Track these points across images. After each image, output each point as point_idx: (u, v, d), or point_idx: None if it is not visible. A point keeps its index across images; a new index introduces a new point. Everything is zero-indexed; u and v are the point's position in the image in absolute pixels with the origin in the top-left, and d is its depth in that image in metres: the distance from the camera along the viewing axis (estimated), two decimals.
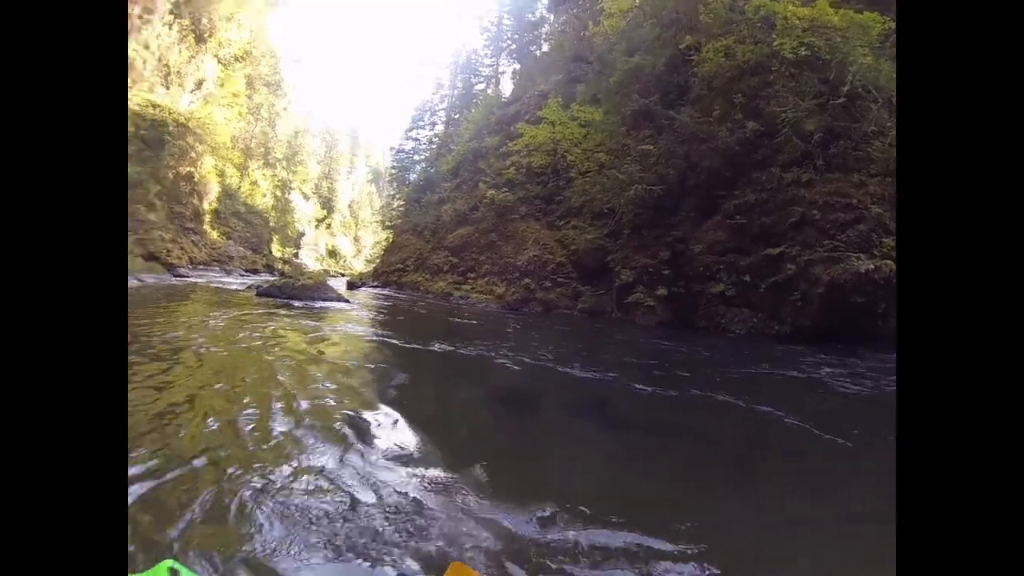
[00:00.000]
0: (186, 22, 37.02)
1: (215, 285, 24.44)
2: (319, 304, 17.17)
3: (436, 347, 10.55)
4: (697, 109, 17.76)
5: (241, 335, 9.71)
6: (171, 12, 35.48)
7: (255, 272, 38.04)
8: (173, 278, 27.15)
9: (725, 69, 16.64)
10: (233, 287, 23.72)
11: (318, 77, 76.77)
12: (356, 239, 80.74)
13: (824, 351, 11.30)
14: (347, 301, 18.86)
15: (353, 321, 13.98)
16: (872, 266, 12.43)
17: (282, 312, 14.06)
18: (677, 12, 18.90)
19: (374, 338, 11.44)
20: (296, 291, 18.12)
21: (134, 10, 31.89)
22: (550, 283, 22.59)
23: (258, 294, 18.82)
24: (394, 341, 10.86)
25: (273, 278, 25.13)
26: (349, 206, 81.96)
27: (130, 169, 30.77)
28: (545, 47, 40.92)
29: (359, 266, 64.80)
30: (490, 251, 27.29)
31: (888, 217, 12.94)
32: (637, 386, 7.57)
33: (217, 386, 5.96)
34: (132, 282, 20.99)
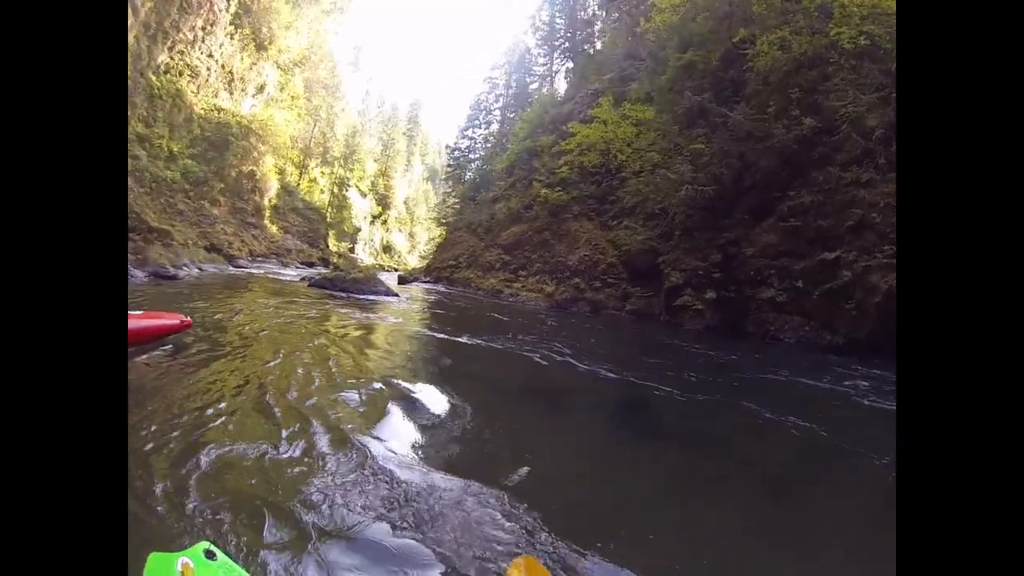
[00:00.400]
0: (247, 31, 38.37)
1: (271, 276, 25.46)
2: (368, 296, 17.64)
3: (468, 340, 10.89)
4: (752, 106, 16.93)
5: (291, 320, 10.63)
6: (232, 23, 36.77)
7: (311, 265, 39.27)
8: (232, 268, 28.44)
9: (781, 63, 15.85)
10: (287, 278, 24.67)
11: (376, 79, 78.09)
12: (411, 235, 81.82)
13: (879, 366, 10.58)
14: (395, 295, 19.21)
15: (397, 313, 14.44)
16: None
17: (330, 303, 14.66)
18: (731, 4, 18.12)
19: (413, 330, 12.08)
20: (347, 283, 18.65)
21: (197, 22, 33.16)
22: (600, 283, 22.25)
23: (310, 284, 19.48)
24: (432, 334, 11.56)
25: (326, 270, 25.97)
26: (405, 203, 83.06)
27: (196, 168, 32.88)
28: (599, 45, 40.43)
29: (413, 262, 65.51)
30: (542, 250, 27.22)
31: None
32: (674, 392, 7.42)
33: (269, 363, 6.70)
34: (193, 270, 22.38)
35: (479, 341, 10.90)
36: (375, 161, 72.93)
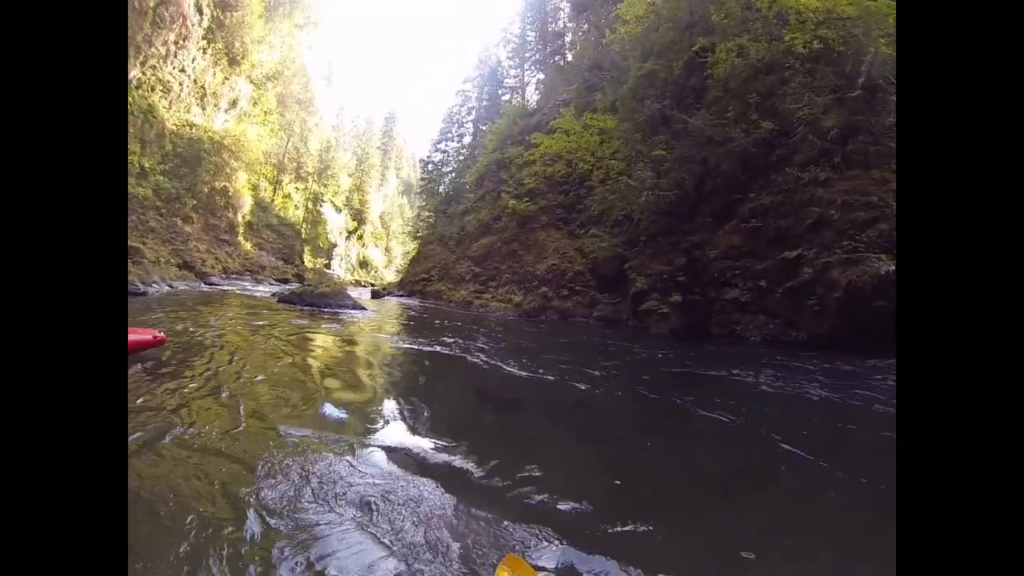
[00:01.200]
0: (220, 46, 38.15)
1: (242, 292, 25.19)
2: (334, 310, 17.64)
3: (421, 347, 11.14)
4: (712, 112, 17.04)
5: (251, 332, 10.96)
6: (205, 37, 36.51)
7: (285, 281, 38.70)
8: (204, 285, 27.95)
9: (739, 69, 15.99)
10: (259, 294, 24.48)
11: (349, 92, 77.69)
12: (387, 250, 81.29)
13: (841, 359, 10.54)
14: (363, 308, 19.17)
15: (357, 324, 14.50)
16: (893, 267, 11.45)
17: (294, 316, 14.73)
18: (692, 14, 18.28)
19: (370, 338, 12.32)
20: (314, 298, 18.66)
21: (170, 37, 32.78)
22: (567, 291, 22.17)
23: (279, 300, 19.44)
24: (395, 342, 11.81)
25: (296, 286, 25.78)
26: (380, 218, 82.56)
27: (168, 184, 32.68)
28: (569, 57, 40.67)
29: (390, 276, 65.05)
30: (511, 260, 27.22)
31: None
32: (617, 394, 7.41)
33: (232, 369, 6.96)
34: (163, 288, 22.36)
35: (434, 348, 11.05)
36: (350, 176, 72.40)
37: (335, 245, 62.69)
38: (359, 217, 73.52)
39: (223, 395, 5.56)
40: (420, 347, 11.24)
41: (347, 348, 10.72)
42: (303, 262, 49.63)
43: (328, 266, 58.01)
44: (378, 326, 15.20)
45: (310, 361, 8.49)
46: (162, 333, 7.37)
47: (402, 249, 71.49)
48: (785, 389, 7.91)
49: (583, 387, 7.66)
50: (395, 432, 4.92)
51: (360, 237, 74.37)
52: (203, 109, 38.52)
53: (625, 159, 20.25)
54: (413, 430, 5.04)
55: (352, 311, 18.16)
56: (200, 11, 35.26)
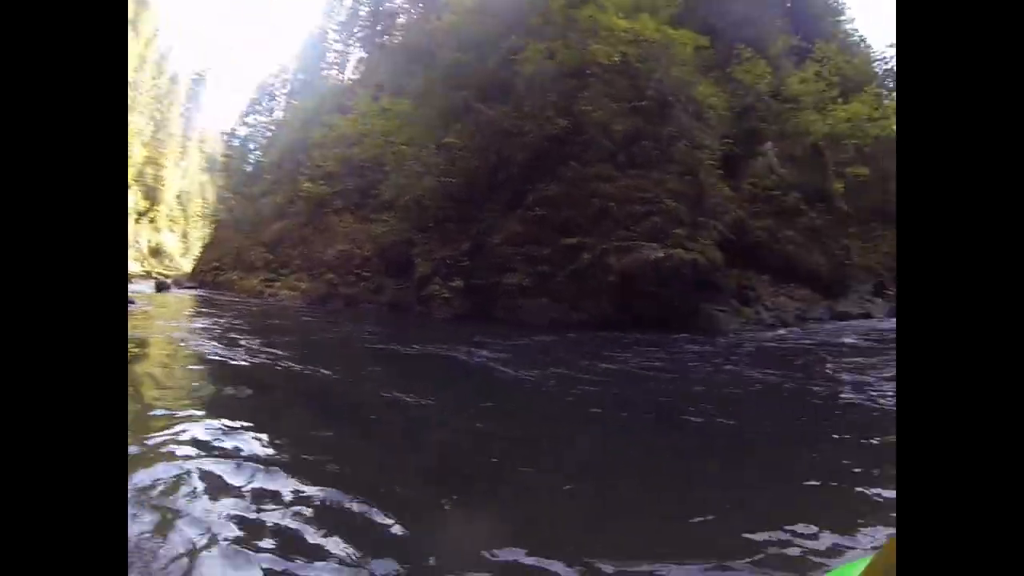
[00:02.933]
0: None
1: None
2: None
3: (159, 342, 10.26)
4: (514, 106, 17.11)
5: None
6: None
7: None
8: None
9: (546, 69, 16.37)
10: None
11: (151, 39, 65.10)
12: (185, 236, 71.59)
13: (620, 338, 10.87)
14: (131, 302, 16.53)
15: None
16: (662, 254, 12.54)
17: None
18: (514, 12, 18.75)
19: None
20: None
21: None
22: (354, 277, 20.75)
23: None
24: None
25: None
26: (178, 197, 72.48)
27: None
28: (399, 39, 38.92)
29: (188, 266, 56.91)
30: (303, 246, 25.52)
31: (681, 210, 13.27)
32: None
33: None
34: None
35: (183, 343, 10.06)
36: (143, 145, 62.68)
37: None
38: (152, 196, 64.22)
39: None
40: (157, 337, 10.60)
41: None
42: None
43: None
44: (132, 319, 12.93)
45: None
46: None
47: (201, 235, 63.50)
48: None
49: None
50: None
51: (152, 220, 65.19)
52: None
53: (418, 145, 19.66)
54: None
55: None
56: None
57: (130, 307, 15.87)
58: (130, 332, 11.24)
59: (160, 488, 3.12)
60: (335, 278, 21.23)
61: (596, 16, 15.72)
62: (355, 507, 2.98)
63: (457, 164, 17.58)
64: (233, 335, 11.08)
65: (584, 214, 13.94)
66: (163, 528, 2.67)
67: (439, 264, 16.60)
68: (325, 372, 7.20)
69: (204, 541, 2.57)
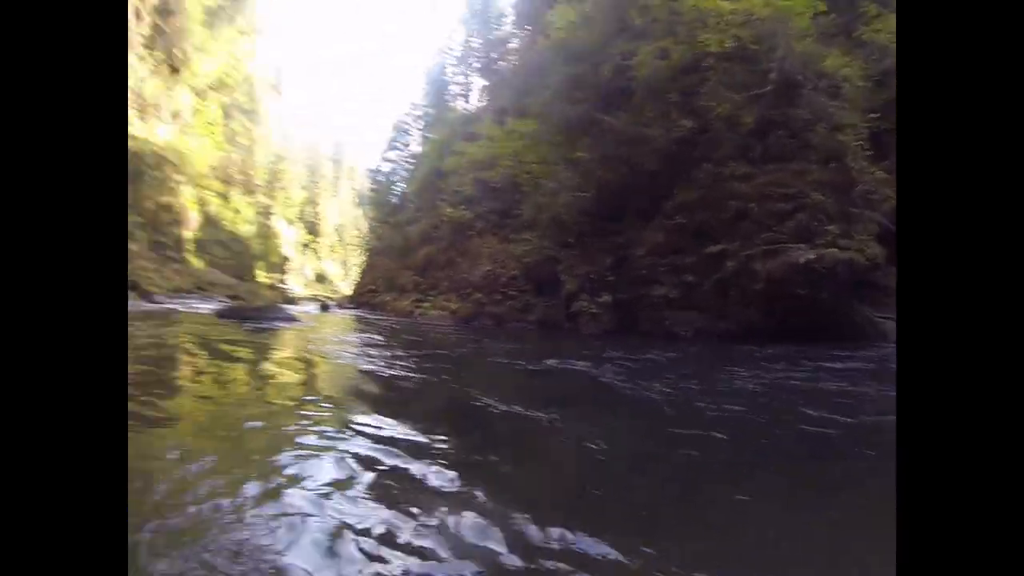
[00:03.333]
0: (159, 54, 36.42)
1: (186, 310, 23.89)
2: (267, 324, 17.23)
3: (315, 350, 10.76)
4: (635, 113, 16.63)
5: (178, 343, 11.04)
6: (144, 45, 34.89)
7: (235, 298, 37.09)
8: (146, 304, 26.35)
9: (661, 70, 15.65)
10: (203, 311, 23.26)
11: (298, 102, 75.10)
12: (344, 263, 78.85)
13: (772, 349, 10.06)
14: (296, 320, 18.64)
15: (280, 334, 14.25)
16: (812, 256, 11.25)
17: (227, 330, 14.22)
18: (619, 21, 17.95)
19: (278, 343, 12.28)
20: (249, 312, 18.73)
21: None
22: (500, 296, 21.36)
23: (217, 315, 19.19)
24: (296, 346, 11.62)
25: (235, 302, 25.80)
26: (336, 230, 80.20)
27: None
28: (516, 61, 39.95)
29: (347, 289, 62.91)
30: (449, 268, 26.39)
31: (829, 203, 12.00)
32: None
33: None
34: None
35: (324, 352, 10.63)
36: (303, 188, 70.18)
37: (288, 259, 60.68)
38: (314, 230, 71.43)
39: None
40: (315, 350, 10.90)
41: (254, 351, 10.63)
42: (255, 278, 47.63)
43: (283, 281, 55.89)
44: (298, 335, 14.42)
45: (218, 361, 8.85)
46: None
47: (358, 262, 69.54)
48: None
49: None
50: None
51: (316, 251, 72.29)
52: (143, 120, 36.64)
53: (547, 162, 19.74)
54: None
55: (283, 323, 17.69)
56: (139, 17, 33.77)
57: (296, 324, 17.64)
58: (299, 343, 12.58)
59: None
60: (482, 297, 21.91)
61: (699, 4, 14.68)
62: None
63: (589, 178, 17.37)
64: (380, 347, 11.92)
65: (722, 218, 13.22)
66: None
67: (584, 280, 16.59)
68: (468, 384, 7.06)
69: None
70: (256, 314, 18.26)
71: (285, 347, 11.84)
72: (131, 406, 4.65)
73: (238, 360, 9.38)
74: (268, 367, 8.77)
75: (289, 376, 7.76)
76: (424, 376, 7.71)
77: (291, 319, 18.59)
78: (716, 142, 14.08)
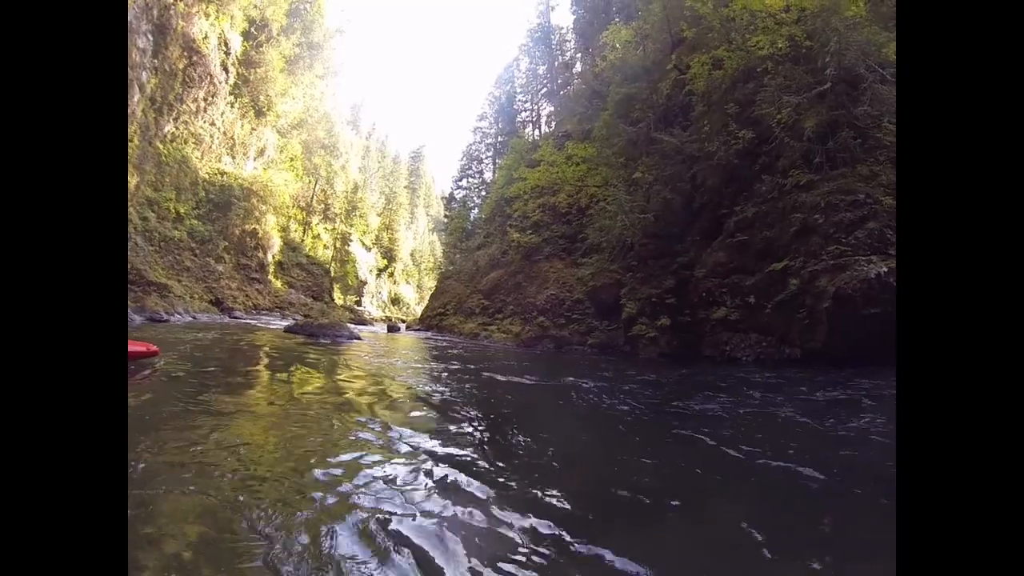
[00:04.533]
0: (246, 100, 39.22)
1: (261, 325, 25.58)
2: (330, 340, 18.34)
3: (371, 366, 11.20)
4: (694, 128, 16.05)
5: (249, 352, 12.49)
6: (232, 93, 37.64)
7: (306, 317, 39.00)
8: (227, 318, 28.55)
9: (718, 81, 15.00)
10: (275, 326, 24.77)
11: (375, 132, 78.47)
12: (419, 287, 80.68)
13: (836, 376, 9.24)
14: (358, 338, 19.58)
15: (340, 352, 14.58)
16: (884, 269, 9.98)
17: (292, 344, 15.37)
18: (671, 33, 17.39)
19: (338, 359, 12.45)
20: (315, 329, 19.74)
21: (199, 94, 34.03)
22: (564, 320, 21.20)
23: (286, 331, 20.41)
24: (354, 363, 11.89)
25: (302, 319, 26.83)
26: (412, 255, 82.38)
27: (201, 227, 34.14)
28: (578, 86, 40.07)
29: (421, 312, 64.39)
30: (516, 292, 26.57)
31: None
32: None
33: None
34: (186, 318, 24.20)
35: (381, 367, 11.00)
36: (379, 215, 72.56)
37: (365, 283, 62.53)
38: (389, 255, 73.43)
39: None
40: (371, 366, 11.37)
41: (305, 359, 11.47)
42: (332, 299, 49.28)
43: (359, 303, 57.52)
44: (353, 351, 14.82)
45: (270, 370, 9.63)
46: (155, 347, 8.27)
47: (431, 286, 71.06)
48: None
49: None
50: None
51: (391, 275, 74.23)
52: (233, 158, 39.31)
53: (608, 185, 19.42)
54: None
55: (347, 340, 18.51)
56: (226, 69, 36.41)
57: (355, 341, 18.30)
58: (348, 357, 12.90)
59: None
60: (545, 321, 21.77)
61: (748, 4, 13.94)
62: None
63: (651, 199, 16.89)
64: (417, 362, 12.44)
65: (786, 232, 12.23)
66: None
67: (644, 303, 16.04)
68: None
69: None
70: (319, 331, 19.22)
71: (335, 359, 12.33)
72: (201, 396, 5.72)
73: (285, 365, 10.33)
74: (308, 373, 9.49)
75: (318, 380, 8.56)
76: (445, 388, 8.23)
77: (352, 337, 19.48)
78: (777, 151, 13.17)
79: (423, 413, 6.50)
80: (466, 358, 14.48)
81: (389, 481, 3.66)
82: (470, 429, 5.63)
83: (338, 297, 52.52)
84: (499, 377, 10.38)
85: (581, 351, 18.48)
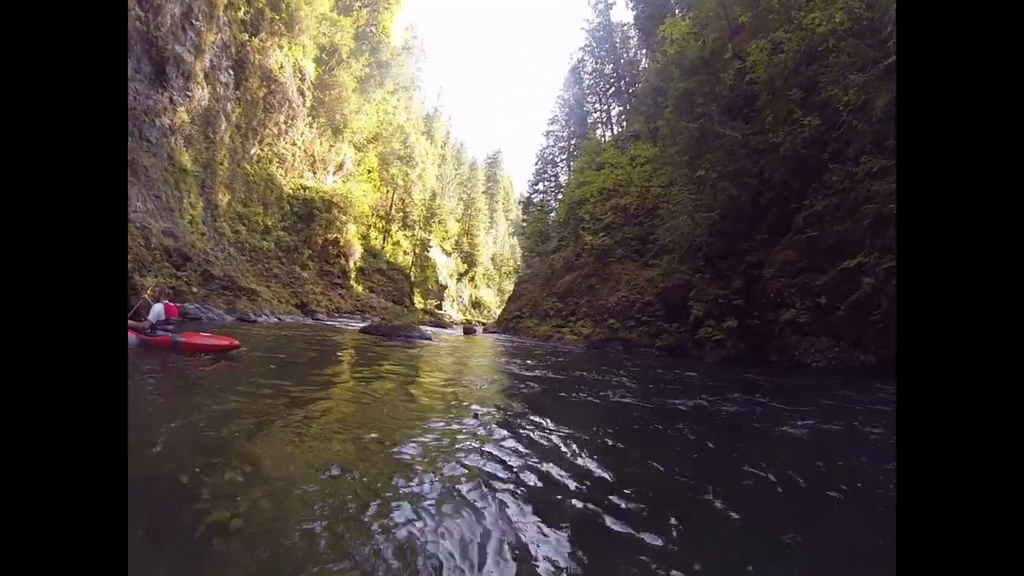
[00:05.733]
0: (323, 120, 41.64)
1: (341, 326, 26.48)
2: (402, 340, 18.89)
3: (416, 364, 11.38)
4: (758, 119, 15.09)
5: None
6: (310, 115, 40.02)
7: (383, 319, 40.45)
8: (309, 319, 30.01)
9: (779, 66, 13.99)
10: (352, 327, 25.65)
11: (449, 141, 79.88)
12: (500, 291, 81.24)
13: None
14: (428, 339, 20.02)
15: (408, 350, 14.90)
16: None
17: (365, 342, 15.95)
18: (727, 20, 16.40)
19: (406, 356, 12.80)
20: (388, 330, 20.59)
21: (280, 118, 36.27)
22: (633, 322, 20.70)
23: (361, 331, 21.23)
24: (418, 360, 12.17)
25: (378, 320, 27.95)
26: (492, 259, 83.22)
27: (287, 238, 36.53)
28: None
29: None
30: (589, 294, 26.39)
31: None
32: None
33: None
34: (272, 319, 25.47)
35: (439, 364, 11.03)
36: (457, 221, 73.77)
37: (445, 287, 63.65)
38: (469, 260, 74.51)
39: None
40: (421, 361, 11.83)
41: (370, 356, 11.98)
42: (413, 303, 50.64)
43: (439, 307, 58.69)
44: (423, 350, 15.09)
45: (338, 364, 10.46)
46: (237, 341, 9.21)
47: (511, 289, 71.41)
48: None
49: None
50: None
51: (472, 279, 75.25)
52: (314, 173, 41.63)
53: (673, 185, 18.73)
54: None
55: (417, 340, 19.09)
56: (302, 94, 38.73)
57: (427, 342, 18.62)
58: (415, 354, 13.18)
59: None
60: (615, 323, 21.45)
61: None
62: None
63: (717, 196, 16.06)
64: (482, 363, 12.47)
65: (859, 225, 11.19)
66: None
67: (711, 304, 15.30)
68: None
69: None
70: (392, 331, 20.01)
71: (397, 355, 12.64)
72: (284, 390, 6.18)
73: (347, 361, 10.98)
74: (372, 368, 10.03)
75: (375, 374, 9.11)
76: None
77: (424, 337, 20.05)
78: (847, 137, 12.11)
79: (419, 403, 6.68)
80: (524, 358, 14.34)
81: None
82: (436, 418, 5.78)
83: (419, 301, 53.79)
84: (526, 372, 10.66)
85: (648, 353, 17.87)
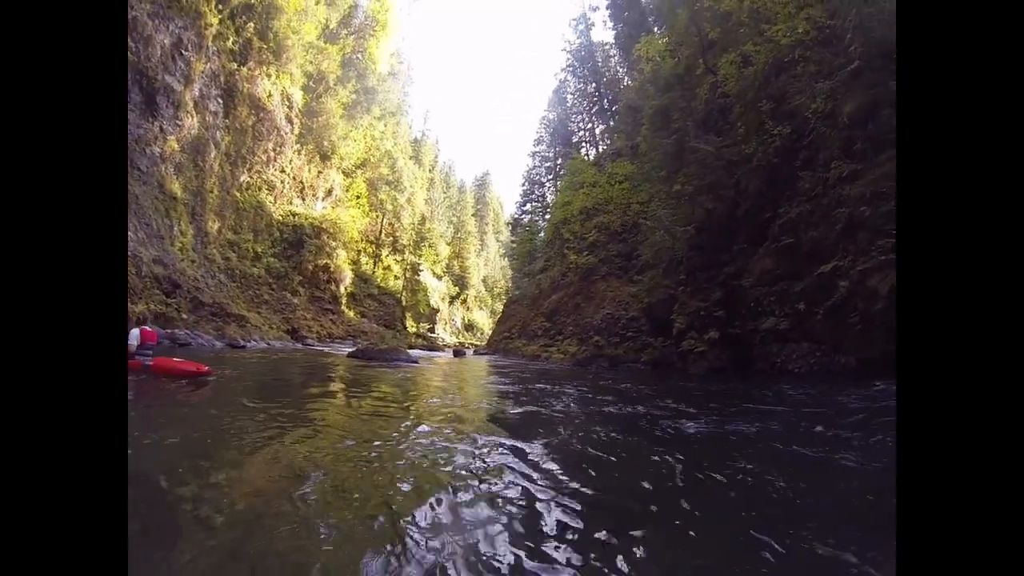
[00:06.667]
0: (311, 146, 41.80)
1: (329, 351, 26.23)
2: (385, 363, 18.70)
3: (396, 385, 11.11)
4: (732, 131, 15.21)
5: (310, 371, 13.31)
6: (298, 142, 40.24)
7: (369, 344, 40.18)
8: (299, 345, 29.77)
9: (749, 79, 14.14)
10: (340, 352, 25.30)
11: (437, 165, 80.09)
12: (492, 313, 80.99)
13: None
14: (414, 362, 19.88)
15: (391, 372, 14.65)
16: None
17: (350, 366, 15.92)
18: (699, 36, 16.64)
19: (385, 376, 12.88)
20: (374, 354, 20.47)
21: (269, 146, 36.38)
22: (618, 338, 20.69)
23: (348, 355, 20.99)
24: (395, 381, 12.07)
25: (363, 344, 28.04)
26: (484, 282, 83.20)
27: (277, 264, 36.35)
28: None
29: None
30: (575, 313, 26.48)
31: None
32: None
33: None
34: (261, 344, 25.14)
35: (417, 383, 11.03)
36: (448, 244, 73.80)
37: (437, 310, 63.42)
38: (461, 283, 74.40)
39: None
40: (404, 382, 11.83)
41: (361, 380, 11.81)
42: (405, 327, 50.43)
43: (432, 330, 58.35)
44: (408, 372, 14.86)
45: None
46: (207, 367, 8.93)
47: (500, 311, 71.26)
48: None
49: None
50: None
51: (464, 301, 75.12)
52: (303, 200, 41.66)
53: (656, 200, 18.74)
54: None
55: (403, 363, 18.87)
56: (290, 121, 38.98)
57: (413, 365, 18.37)
58: (398, 377, 12.98)
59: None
60: (600, 340, 21.40)
61: None
62: None
63: (695, 210, 16.14)
64: (461, 383, 12.38)
65: (832, 230, 11.22)
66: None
67: (693, 317, 15.24)
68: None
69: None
70: (378, 355, 19.85)
71: (385, 379, 12.40)
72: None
73: (336, 382, 11.12)
74: (349, 388, 10.08)
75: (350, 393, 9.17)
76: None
77: (410, 361, 19.89)
78: (816, 144, 12.22)
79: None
80: (502, 376, 14.37)
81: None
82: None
83: (411, 325, 53.58)
84: (500, 387, 11.12)
85: (633, 368, 17.78)
